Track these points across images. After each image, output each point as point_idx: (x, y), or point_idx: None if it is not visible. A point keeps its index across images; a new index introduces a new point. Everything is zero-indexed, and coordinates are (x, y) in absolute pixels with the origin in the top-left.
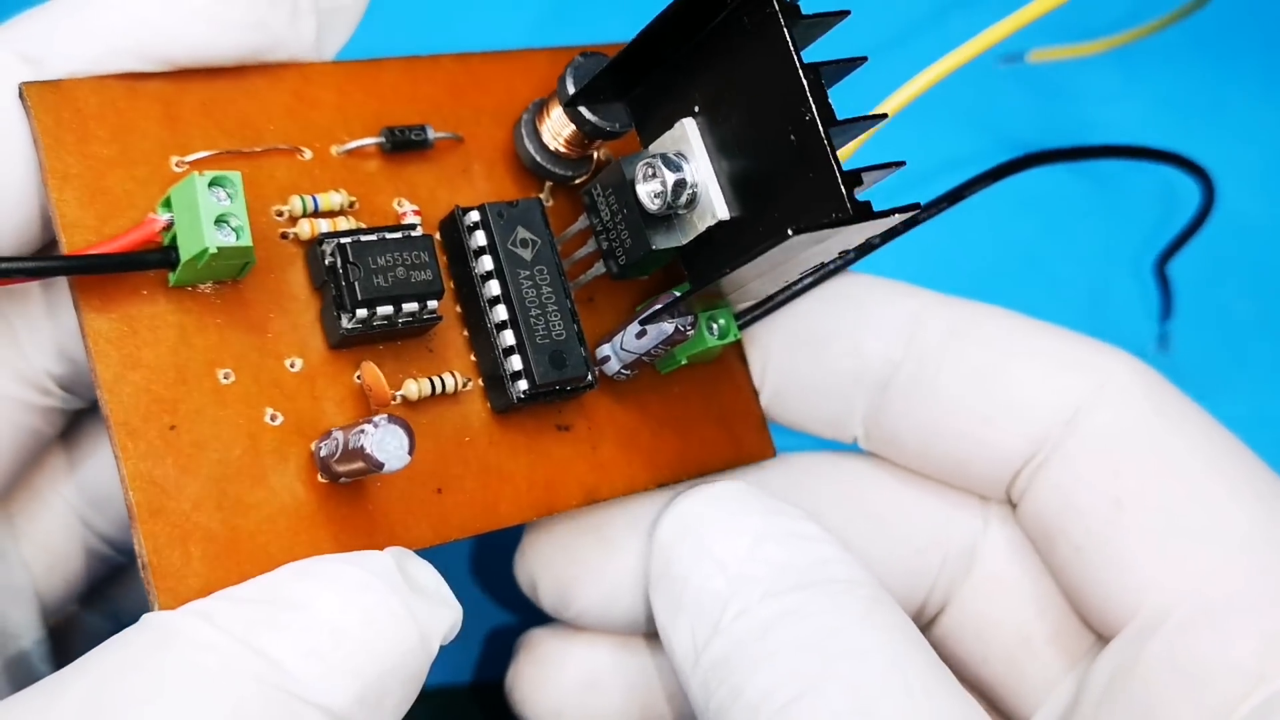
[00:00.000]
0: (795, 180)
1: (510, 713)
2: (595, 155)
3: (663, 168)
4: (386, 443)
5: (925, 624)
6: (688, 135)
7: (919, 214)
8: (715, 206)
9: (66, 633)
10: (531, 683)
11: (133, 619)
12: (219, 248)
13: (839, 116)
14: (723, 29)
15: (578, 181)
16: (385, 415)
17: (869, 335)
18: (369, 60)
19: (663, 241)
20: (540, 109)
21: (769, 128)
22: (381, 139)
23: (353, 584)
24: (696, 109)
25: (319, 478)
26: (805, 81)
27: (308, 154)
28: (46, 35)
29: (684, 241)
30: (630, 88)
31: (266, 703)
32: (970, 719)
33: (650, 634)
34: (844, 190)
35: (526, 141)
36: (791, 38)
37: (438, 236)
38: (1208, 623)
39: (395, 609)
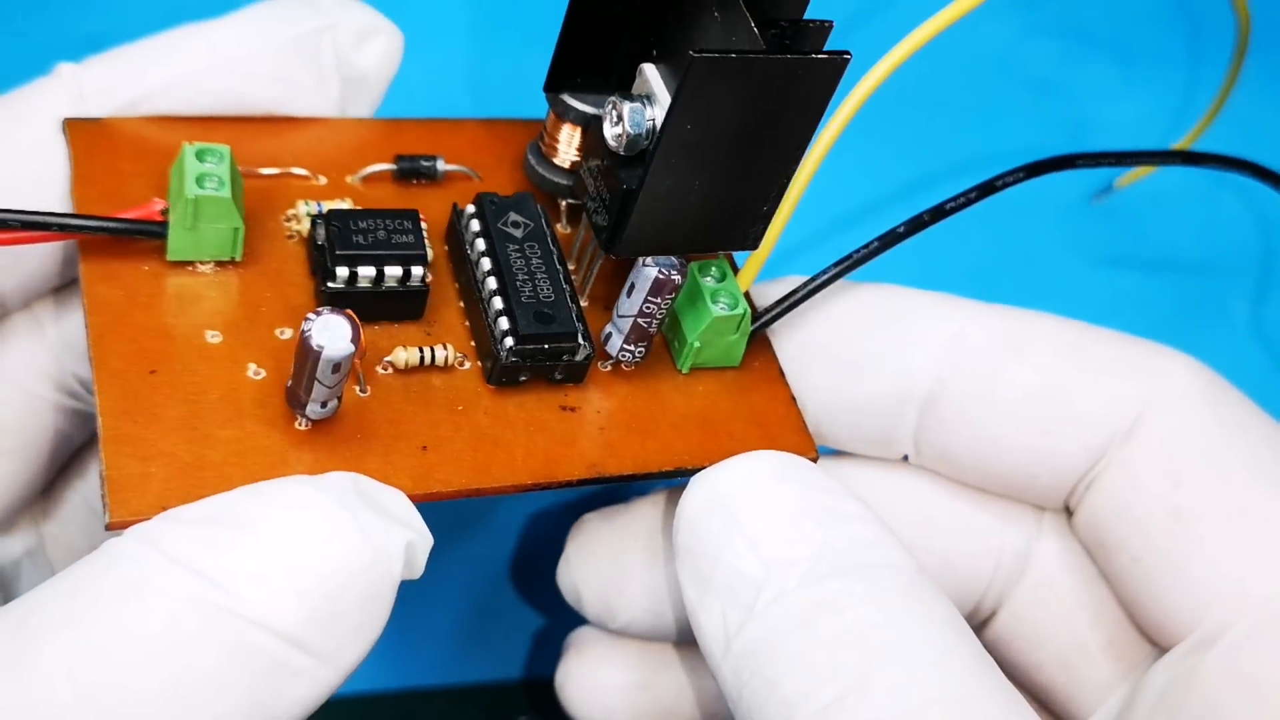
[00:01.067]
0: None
1: (559, 710)
2: None
3: (620, 101)
4: (327, 329)
5: (977, 626)
6: (648, 78)
7: (947, 205)
8: None
9: None
10: (581, 682)
11: None
12: (197, 196)
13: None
14: None
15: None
16: (329, 307)
17: (916, 353)
18: (392, 119)
19: (636, 181)
20: (542, 135)
21: (705, 29)
22: (393, 165)
23: (300, 501)
24: (654, 53)
25: (296, 424)
26: None
27: (323, 180)
28: (98, 76)
29: None
30: (608, 74)
31: (204, 621)
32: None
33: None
34: (755, 30)
35: (532, 160)
36: None
37: (445, 247)
38: (1271, 635)
39: (344, 525)
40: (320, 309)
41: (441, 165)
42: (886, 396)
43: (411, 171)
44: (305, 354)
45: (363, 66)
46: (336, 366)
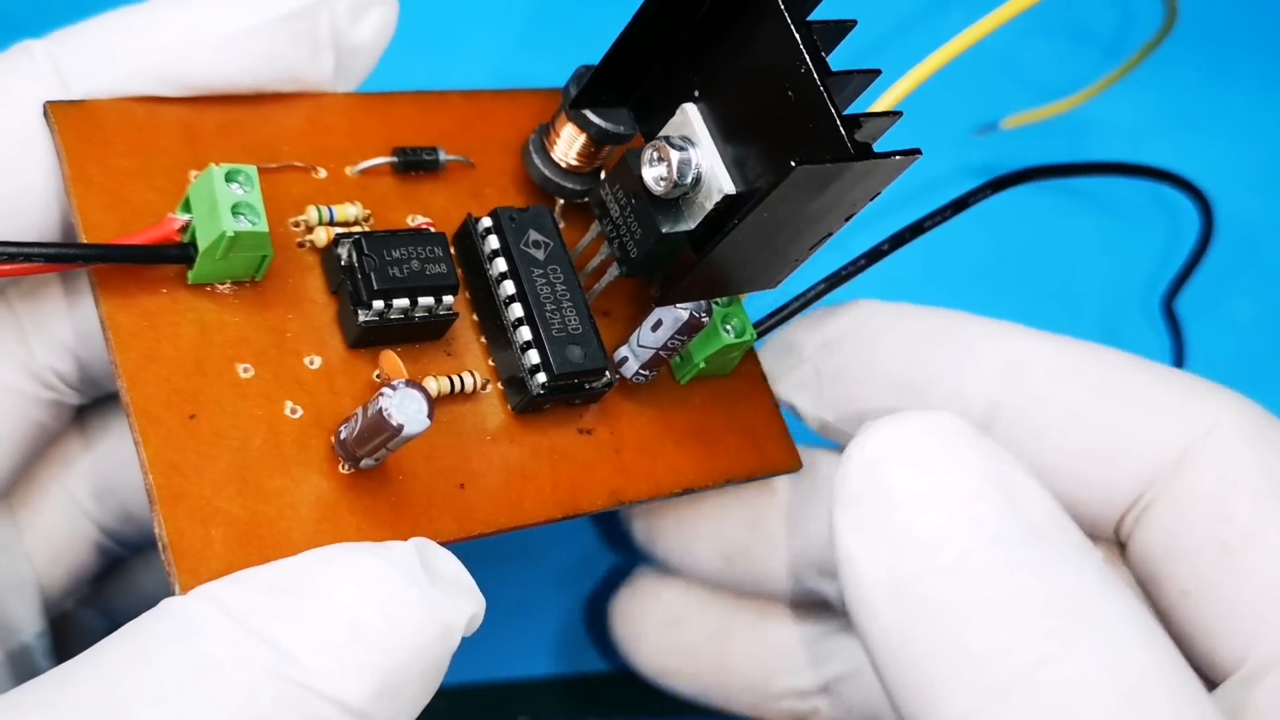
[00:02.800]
0: (796, 136)
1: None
2: (603, 171)
3: (667, 148)
4: (405, 405)
5: None
6: (689, 119)
7: (925, 222)
8: (721, 182)
9: (62, 630)
10: (625, 610)
11: (128, 617)
12: (236, 232)
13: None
14: (713, 12)
15: (588, 199)
16: (403, 380)
17: (971, 378)
18: (380, 93)
19: (672, 225)
20: (548, 129)
21: (767, 93)
22: (394, 158)
23: (372, 575)
24: (696, 94)
25: (341, 468)
26: (798, 35)
27: (322, 173)
28: (75, 54)
29: (693, 225)
30: (631, 91)
31: (279, 697)
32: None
33: (736, 591)
34: (843, 131)
35: (535, 158)
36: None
37: (453, 250)
38: None
39: (415, 601)
40: (395, 382)
41: (443, 156)
42: None
43: (412, 164)
44: (381, 428)
45: (358, 40)
46: (409, 439)
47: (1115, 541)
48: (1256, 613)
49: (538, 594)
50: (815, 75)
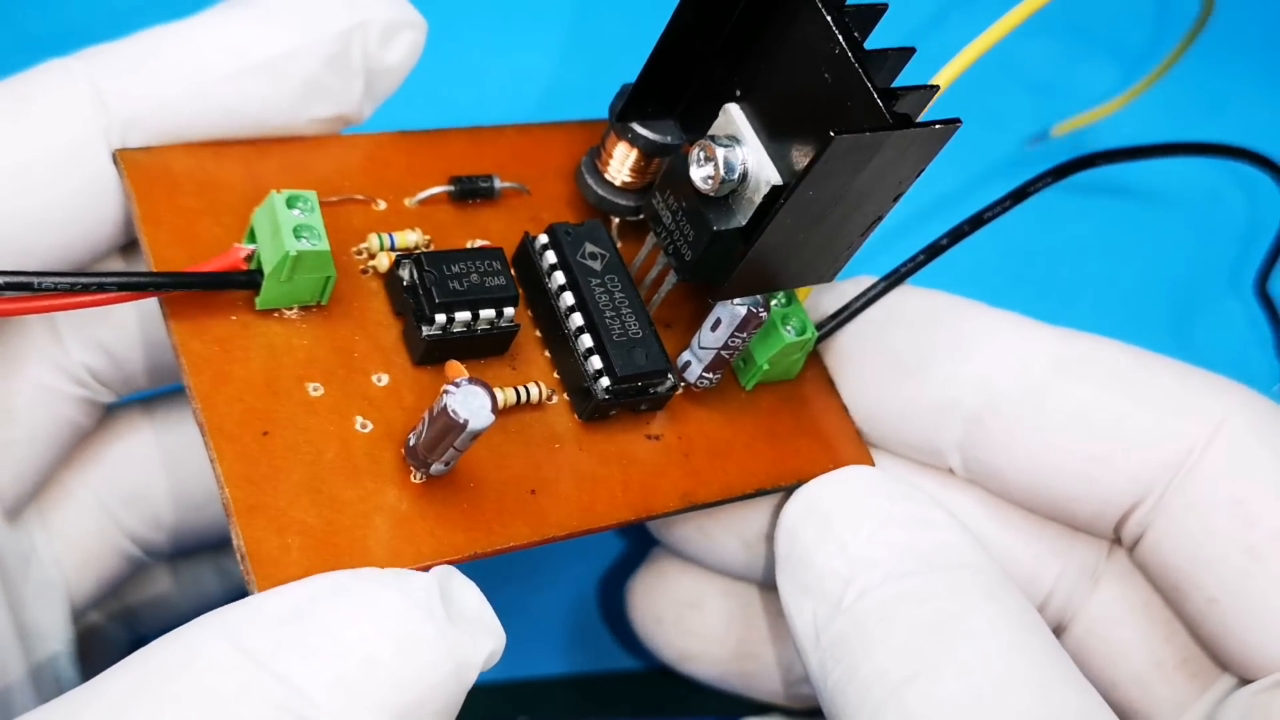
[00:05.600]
0: (837, 116)
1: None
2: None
3: (713, 146)
4: (469, 401)
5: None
6: (733, 118)
7: (985, 214)
8: (768, 174)
9: (85, 641)
10: (644, 590)
11: (152, 628)
12: (299, 252)
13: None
14: (748, 11)
15: (642, 214)
16: (465, 378)
17: (967, 363)
18: (435, 130)
19: (724, 223)
20: (599, 150)
21: (806, 81)
22: (450, 187)
23: (388, 609)
24: (738, 93)
25: (412, 477)
26: (829, 18)
27: (382, 205)
28: (112, 74)
29: (744, 221)
30: (675, 101)
31: None
32: (1087, 710)
33: (759, 583)
34: (880, 102)
35: (589, 179)
36: None
37: (512, 271)
38: None
39: (430, 639)
40: (457, 380)
41: (498, 184)
42: (931, 402)
43: (469, 192)
44: (447, 426)
45: (388, 63)
46: (476, 435)
47: (1114, 540)
48: None
49: (538, 593)
50: (850, 53)
